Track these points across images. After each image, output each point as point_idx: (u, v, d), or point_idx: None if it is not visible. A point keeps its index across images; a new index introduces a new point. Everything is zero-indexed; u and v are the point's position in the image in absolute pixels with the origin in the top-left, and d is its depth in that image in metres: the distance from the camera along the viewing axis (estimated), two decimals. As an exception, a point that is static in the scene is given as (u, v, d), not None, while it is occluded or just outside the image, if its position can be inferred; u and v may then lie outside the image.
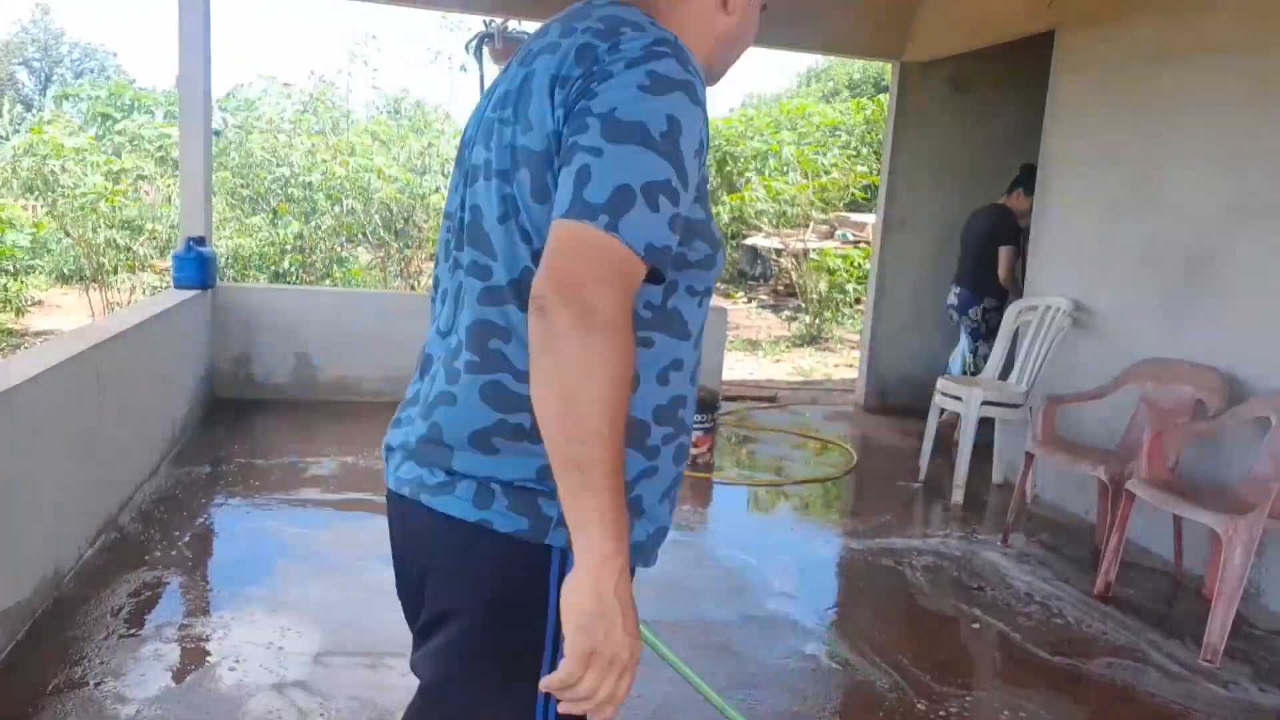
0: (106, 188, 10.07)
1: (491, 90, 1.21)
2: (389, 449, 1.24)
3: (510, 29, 6.21)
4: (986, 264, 5.45)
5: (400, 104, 16.77)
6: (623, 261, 0.96)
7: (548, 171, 1.05)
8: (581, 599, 0.96)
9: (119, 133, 12.03)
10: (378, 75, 16.43)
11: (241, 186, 11.64)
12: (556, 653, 1.09)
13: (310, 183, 11.25)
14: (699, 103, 1.05)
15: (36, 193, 10.36)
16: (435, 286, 1.26)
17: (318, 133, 12.71)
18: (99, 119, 12.64)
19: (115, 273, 10.27)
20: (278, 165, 11.54)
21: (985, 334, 5.51)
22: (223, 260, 9.87)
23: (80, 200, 9.79)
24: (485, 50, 6.31)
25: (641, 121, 0.99)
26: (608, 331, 0.93)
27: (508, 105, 1.12)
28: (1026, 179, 5.22)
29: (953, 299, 5.66)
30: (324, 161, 11.54)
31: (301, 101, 14.14)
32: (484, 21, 6.24)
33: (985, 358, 5.40)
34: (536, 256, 1.04)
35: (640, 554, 1.17)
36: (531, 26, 6.55)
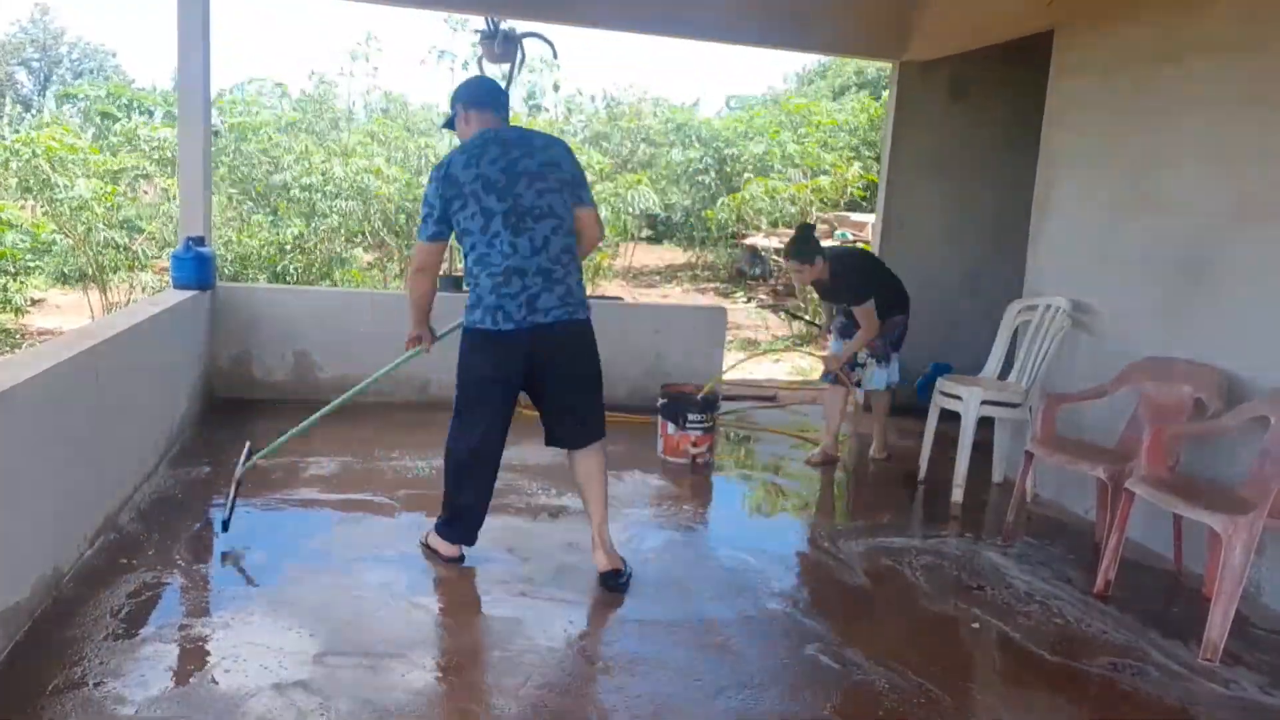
0: (101, 188, 10.06)
1: (508, 161, 3.14)
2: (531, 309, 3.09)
3: (509, 29, 6.22)
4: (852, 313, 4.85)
5: (399, 104, 16.78)
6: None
7: None
8: None
9: (117, 134, 12.03)
10: (377, 74, 16.40)
11: (239, 190, 11.64)
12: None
13: (310, 183, 11.24)
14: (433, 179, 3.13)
15: (34, 193, 10.37)
16: (508, 248, 3.09)
17: (317, 133, 12.71)
18: (99, 119, 12.63)
19: (115, 273, 10.28)
20: (278, 169, 11.54)
21: (879, 356, 5.06)
22: (222, 261, 9.87)
23: (76, 202, 9.78)
24: (482, 50, 6.31)
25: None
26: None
27: (551, 167, 3.17)
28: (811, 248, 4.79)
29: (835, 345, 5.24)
30: (323, 162, 11.53)
31: (301, 102, 14.15)
32: (486, 21, 6.24)
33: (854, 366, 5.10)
34: None
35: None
36: (530, 27, 6.54)
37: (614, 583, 3.20)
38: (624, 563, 3.28)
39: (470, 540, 3.34)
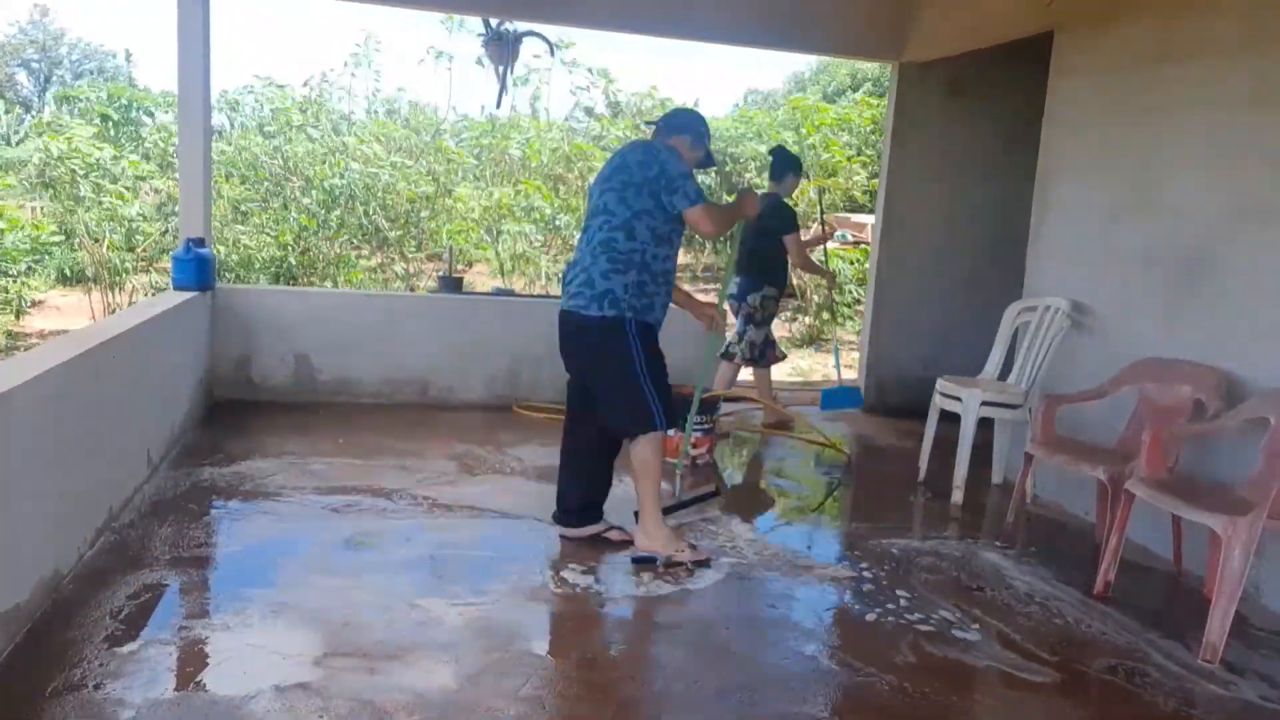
0: (115, 191, 10.07)
1: (602, 171, 3.56)
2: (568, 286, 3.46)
3: (506, 30, 6.23)
4: (763, 255, 5.60)
5: (400, 105, 16.77)
6: None
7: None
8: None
9: (119, 137, 12.03)
10: (379, 75, 16.39)
11: (241, 190, 11.64)
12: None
13: (311, 184, 11.24)
14: None
15: (51, 192, 10.36)
16: (580, 244, 3.51)
17: (319, 134, 12.71)
18: (100, 120, 12.64)
19: (115, 274, 10.28)
20: (284, 170, 11.53)
21: (760, 321, 5.71)
22: (223, 263, 9.87)
23: (88, 203, 9.80)
24: (491, 51, 6.32)
25: None
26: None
27: (619, 171, 3.46)
28: (786, 161, 5.72)
29: (733, 288, 5.73)
30: (320, 162, 11.53)
31: (302, 104, 14.15)
32: (484, 22, 6.25)
33: (751, 344, 5.68)
34: (632, 215, 3.39)
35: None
36: (530, 28, 6.55)
37: (641, 562, 3.47)
38: (658, 552, 3.48)
39: (559, 518, 3.71)
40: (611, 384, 3.46)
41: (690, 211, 3.37)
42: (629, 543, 3.60)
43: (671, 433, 4.85)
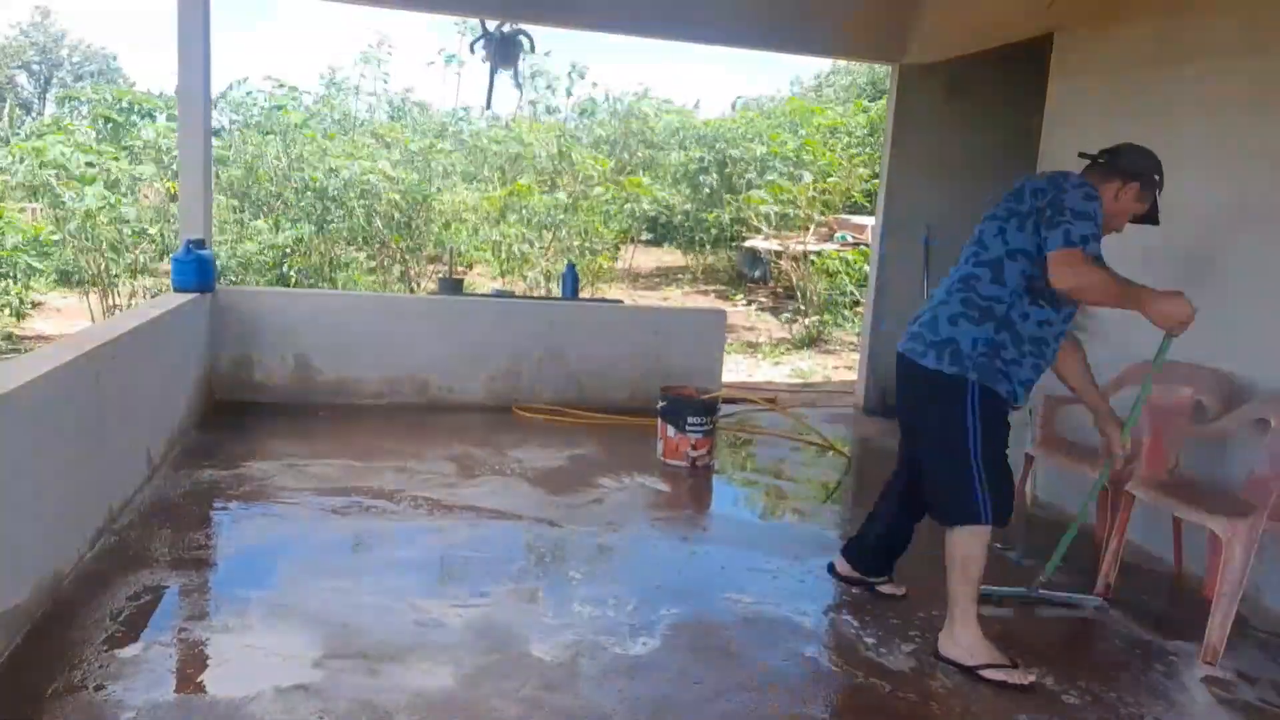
0: (106, 194, 10.05)
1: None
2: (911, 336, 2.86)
3: (507, 31, 6.24)
4: None
5: (403, 106, 16.78)
6: None
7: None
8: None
9: (119, 139, 12.03)
10: (385, 78, 16.38)
11: (242, 191, 11.63)
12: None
13: (311, 186, 11.24)
14: None
15: (40, 196, 10.36)
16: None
17: (322, 136, 12.70)
18: (100, 122, 12.64)
19: (116, 276, 10.27)
20: (289, 170, 11.53)
21: None
22: (222, 265, 9.86)
23: (79, 208, 9.79)
24: (492, 52, 6.34)
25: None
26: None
27: (1011, 198, 2.83)
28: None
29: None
30: (319, 162, 11.53)
31: (307, 105, 14.15)
32: (482, 23, 6.26)
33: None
34: (1007, 253, 2.76)
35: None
36: (530, 29, 6.56)
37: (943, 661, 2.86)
38: (957, 659, 2.83)
39: (845, 548, 3.41)
40: (935, 455, 2.88)
41: (1059, 253, 2.60)
42: (887, 595, 3.32)
43: (672, 433, 4.87)
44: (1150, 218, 2.98)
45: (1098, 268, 2.65)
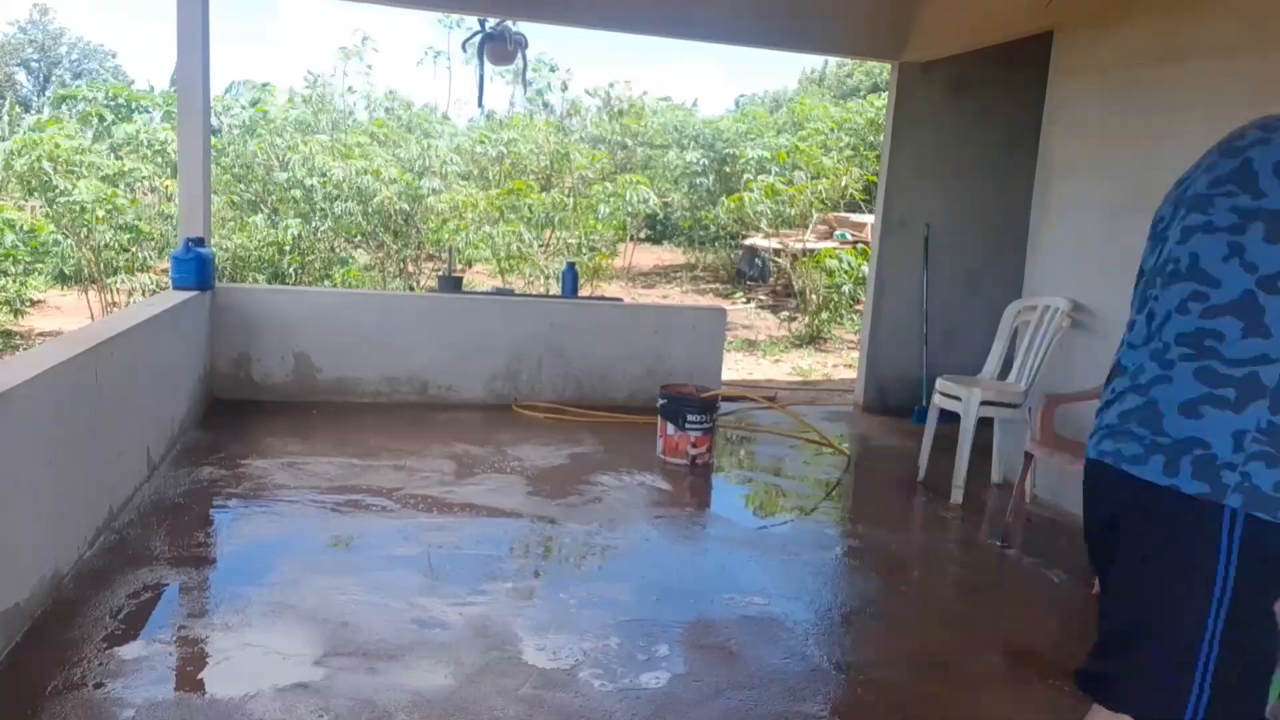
0: (102, 190, 10.05)
1: (1190, 177, 1.78)
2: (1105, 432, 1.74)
3: (510, 29, 6.23)
4: None
5: (396, 105, 16.78)
6: None
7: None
8: None
9: (119, 138, 12.02)
10: (372, 74, 16.47)
11: (239, 190, 11.63)
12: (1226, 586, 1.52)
13: (308, 184, 11.23)
14: None
15: (35, 194, 10.36)
16: (1131, 326, 1.89)
17: (316, 134, 12.70)
18: (97, 119, 12.63)
19: (115, 274, 10.27)
20: (282, 168, 11.53)
21: None
22: (221, 263, 9.87)
23: (77, 204, 9.78)
24: (486, 51, 6.33)
25: None
26: None
27: (1229, 183, 1.60)
28: None
29: None
30: (312, 160, 11.52)
31: (301, 104, 14.14)
32: (480, 21, 6.25)
33: None
34: (1259, 282, 1.52)
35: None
36: (530, 27, 6.55)
37: None
38: None
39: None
40: (1142, 611, 1.65)
41: None
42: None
43: (672, 431, 4.88)
44: None
45: None
